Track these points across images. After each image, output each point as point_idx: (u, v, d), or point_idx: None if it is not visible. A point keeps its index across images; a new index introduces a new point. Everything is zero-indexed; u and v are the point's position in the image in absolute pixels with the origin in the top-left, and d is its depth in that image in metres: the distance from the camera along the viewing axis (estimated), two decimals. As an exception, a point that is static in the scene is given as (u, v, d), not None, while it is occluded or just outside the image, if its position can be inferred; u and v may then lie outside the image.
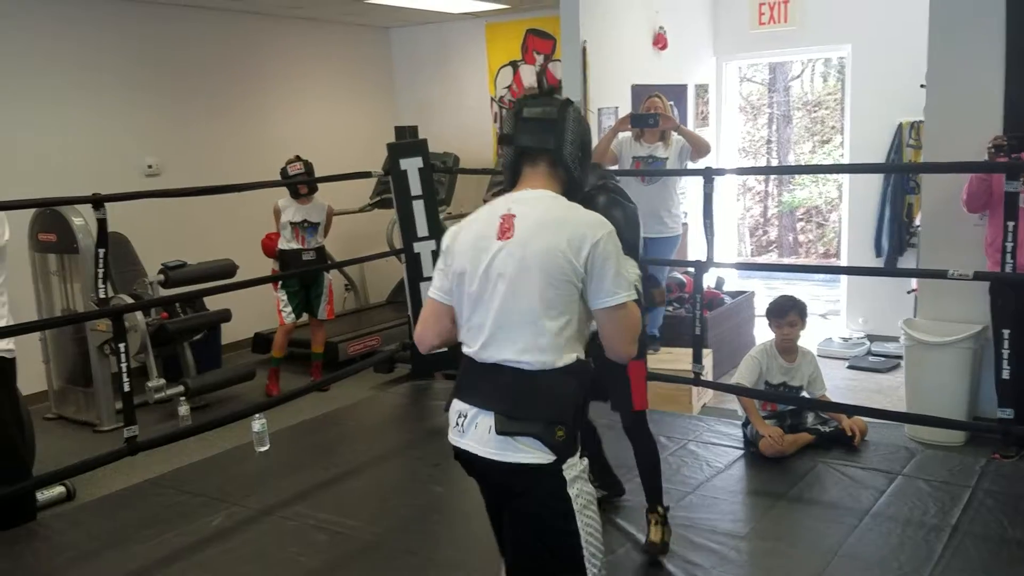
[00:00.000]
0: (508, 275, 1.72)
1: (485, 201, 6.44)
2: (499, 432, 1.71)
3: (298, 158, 5.43)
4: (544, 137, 1.83)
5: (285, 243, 5.51)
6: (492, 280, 1.74)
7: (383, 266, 6.70)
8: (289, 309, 5.53)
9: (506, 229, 1.75)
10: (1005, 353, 3.24)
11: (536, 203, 1.78)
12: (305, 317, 5.65)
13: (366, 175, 4.56)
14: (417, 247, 4.39)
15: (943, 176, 4.10)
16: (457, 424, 1.81)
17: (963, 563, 2.62)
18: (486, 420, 1.74)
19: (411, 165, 4.30)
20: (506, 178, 1.91)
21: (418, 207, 4.33)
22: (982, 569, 2.59)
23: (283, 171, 5.40)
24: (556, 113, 1.84)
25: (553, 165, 1.84)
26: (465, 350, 1.82)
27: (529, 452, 1.71)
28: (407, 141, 4.47)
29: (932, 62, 4.14)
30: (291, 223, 5.47)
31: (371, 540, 2.98)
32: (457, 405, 1.82)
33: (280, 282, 5.48)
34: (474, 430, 1.76)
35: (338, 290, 7.34)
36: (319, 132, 7.26)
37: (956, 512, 2.94)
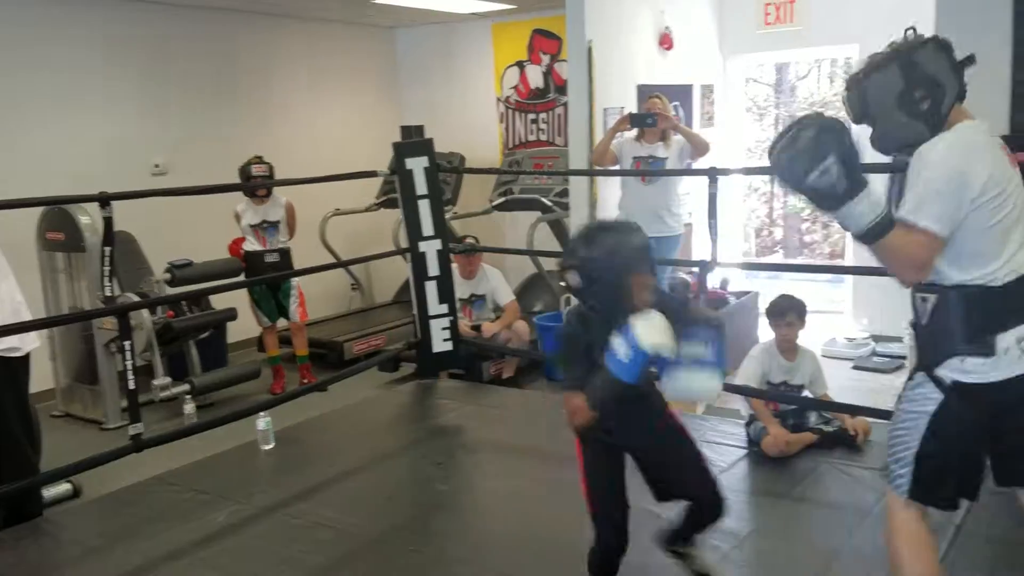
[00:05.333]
0: None
1: (491, 202, 6.56)
2: None
3: (260, 159, 5.41)
4: None
5: (249, 246, 5.50)
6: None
7: (389, 265, 6.71)
8: (261, 313, 5.54)
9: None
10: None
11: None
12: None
13: (371, 174, 4.58)
14: (423, 246, 4.40)
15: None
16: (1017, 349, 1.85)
17: (968, 564, 2.61)
18: None
19: (417, 165, 4.31)
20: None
21: (424, 206, 4.34)
22: (987, 570, 2.59)
23: (244, 171, 5.37)
24: None
25: None
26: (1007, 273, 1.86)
27: None
28: (413, 141, 4.48)
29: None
30: (250, 225, 5.46)
31: (375, 537, 2.99)
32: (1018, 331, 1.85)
33: (249, 287, 5.48)
34: None
35: (343, 289, 7.39)
36: (325, 131, 7.29)
37: (960, 512, 2.93)
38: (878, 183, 2.15)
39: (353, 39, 7.64)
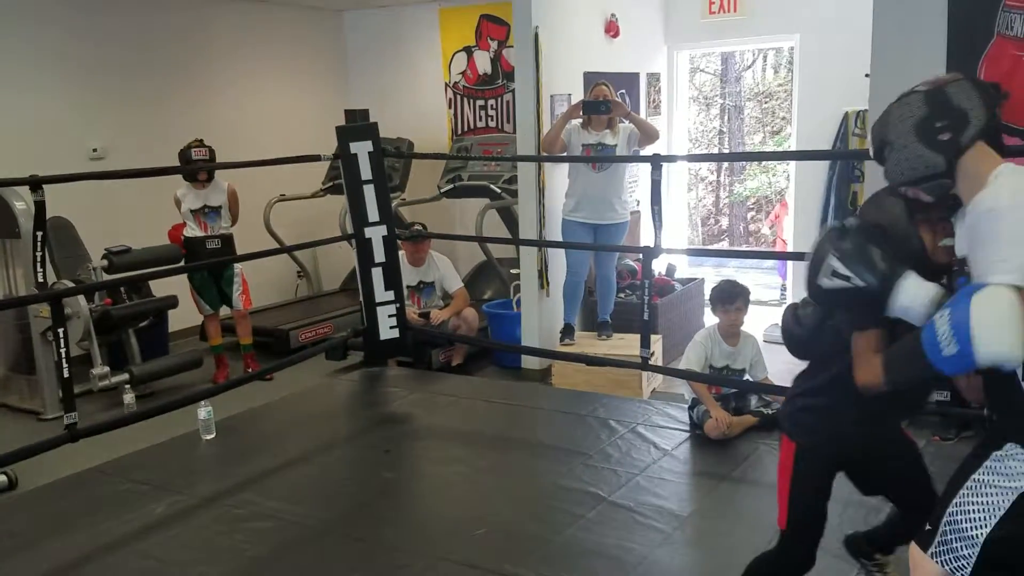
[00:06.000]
0: None
1: (439, 188, 6.54)
2: None
3: (201, 142, 5.29)
4: None
5: (190, 231, 5.38)
6: None
7: (337, 252, 6.65)
8: (203, 301, 5.45)
9: None
10: (940, 337, 3.32)
11: None
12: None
13: (315, 159, 4.51)
14: (368, 232, 4.36)
15: (885, 165, 4.18)
16: None
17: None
18: None
19: (361, 149, 4.26)
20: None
21: (369, 192, 4.29)
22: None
23: (185, 155, 5.23)
24: None
25: None
26: None
27: None
28: (357, 124, 4.43)
29: (876, 52, 4.21)
30: (191, 210, 5.34)
31: (319, 527, 2.97)
32: None
33: (189, 274, 5.38)
34: None
35: (289, 277, 7.29)
36: (270, 116, 7.16)
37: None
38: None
39: (300, 22, 7.52)
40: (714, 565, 2.68)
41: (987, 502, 1.64)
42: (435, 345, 5.46)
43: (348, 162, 4.29)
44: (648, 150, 5.25)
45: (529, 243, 5.48)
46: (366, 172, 4.28)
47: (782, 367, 5.24)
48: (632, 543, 2.74)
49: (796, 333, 2.11)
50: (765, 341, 6.10)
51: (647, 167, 4.11)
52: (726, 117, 11.31)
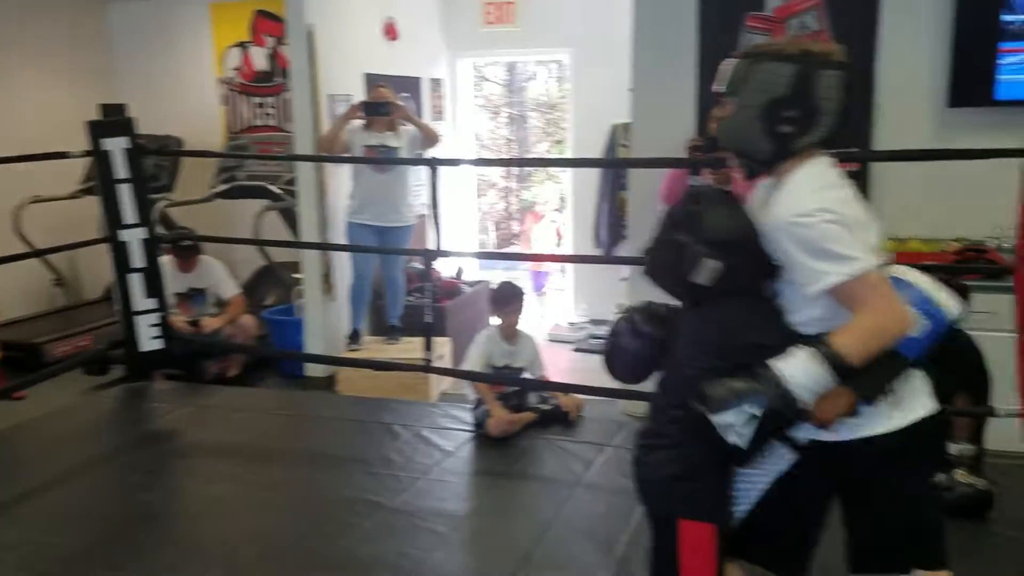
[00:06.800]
0: None
1: (212, 189, 6.18)
2: None
3: None
4: None
5: None
6: None
7: (99, 259, 6.08)
8: None
9: None
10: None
11: None
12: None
13: (62, 156, 4.11)
14: (124, 235, 4.02)
15: (645, 173, 4.45)
16: None
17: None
18: None
19: (115, 146, 3.92)
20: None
21: (124, 191, 3.96)
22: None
23: None
24: None
25: None
26: None
27: None
28: (110, 120, 4.09)
29: (636, 69, 4.49)
30: None
31: (70, 556, 2.69)
32: None
33: None
34: None
35: (43, 285, 6.61)
36: (22, 110, 6.46)
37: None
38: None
39: (54, 9, 6.83)
40: (487, 563, 2.71)
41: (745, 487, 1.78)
42: (208, 356, 5.15)
43: (101, 160, 3.94)
44: (431, 154, 5.28)
45: (310, 246, 5.32)
46: (121, 170, 3.95)
47: (566, 364, 5.53)
48: (410, 548, 2.71)
49: (633, 347, 1.82)
50: (550, 340, 6.40)
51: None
52: (514, 126, 11.64)
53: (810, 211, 1.57)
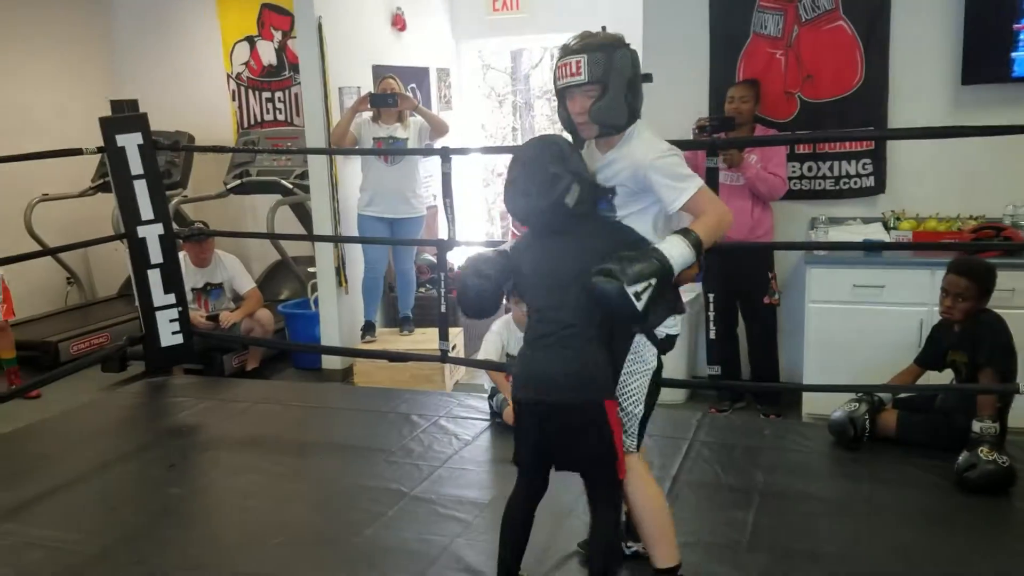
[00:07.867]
0: None
1: (226, 184, 6.20)
2: None
3: None
4: None
5: None
6: None
7: (112, 256, 6.16)
8: None
9: None
10: (711, 315, 3.61)
11: None
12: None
13: (76, 152, 4.12)
14: (142, 231, 4.04)
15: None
16: None
17: (680, 509, 2.86)
18: None
19: (129, 142, 3.94)
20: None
21: (140, 187, 3.98)
22: (696, 514, 2.86)
23: None
24: None
25: None
26: None
27: None
28: (124, 116, 4.10)
29: (646, 52, 4.47)
30: None
31: (95, 553, 2.71)
32: None
33: None
34: None
35: (58, 284, 6.66)
36: (28, 107, 6.49)
37: (676, 463, 3.22)
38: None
39: (60, 4, 6.85)
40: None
41: (636, 385, 2.16)
42: (226, 350, 5.18)
43: (115, 156, 3.96)
44: (440, 143, 5.28)
45: (323, 239, 5.34)
46: (136, 167, 3.97)
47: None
48: (433, 535, 2.73)
49: (477, 287, 2.19)
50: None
51: (438, 160, 4.12)
52: (518, 115, 11.60)
53: (663, 152, 2.09)
